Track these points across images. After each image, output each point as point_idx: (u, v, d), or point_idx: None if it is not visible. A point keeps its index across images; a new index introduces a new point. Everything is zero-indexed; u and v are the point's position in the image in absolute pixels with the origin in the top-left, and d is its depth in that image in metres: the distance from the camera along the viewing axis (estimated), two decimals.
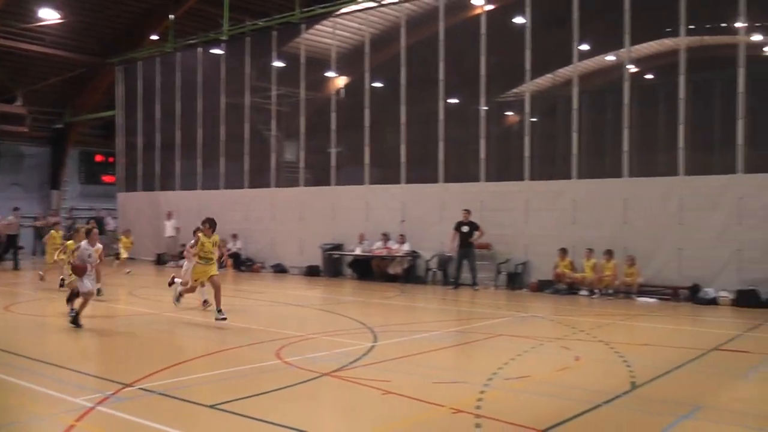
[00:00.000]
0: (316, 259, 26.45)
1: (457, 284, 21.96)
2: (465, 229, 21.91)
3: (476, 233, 21.86)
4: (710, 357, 11.27)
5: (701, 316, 17.06)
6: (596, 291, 20.14)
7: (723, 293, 18.63)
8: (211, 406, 7.83)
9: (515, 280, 22.08)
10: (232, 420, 7.43)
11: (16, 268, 27.16)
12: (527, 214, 22.32)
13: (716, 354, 11.61)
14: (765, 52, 21.22)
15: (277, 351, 11.16)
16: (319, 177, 28.54)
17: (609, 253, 19.99)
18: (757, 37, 20.52)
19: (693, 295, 19.04)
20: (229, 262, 28.29)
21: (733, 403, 8.51)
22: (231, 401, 8.04)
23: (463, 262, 21.98)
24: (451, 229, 22.16)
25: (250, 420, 7.43)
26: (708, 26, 21.49)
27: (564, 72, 23.79)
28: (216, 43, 31.44)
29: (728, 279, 18.85)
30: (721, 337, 13.29)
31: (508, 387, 9.15)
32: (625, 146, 20.77)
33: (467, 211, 22.06)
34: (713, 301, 18.57)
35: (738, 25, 19.56)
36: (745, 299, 18.15)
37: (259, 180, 29.66)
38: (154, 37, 34.91)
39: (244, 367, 10.23)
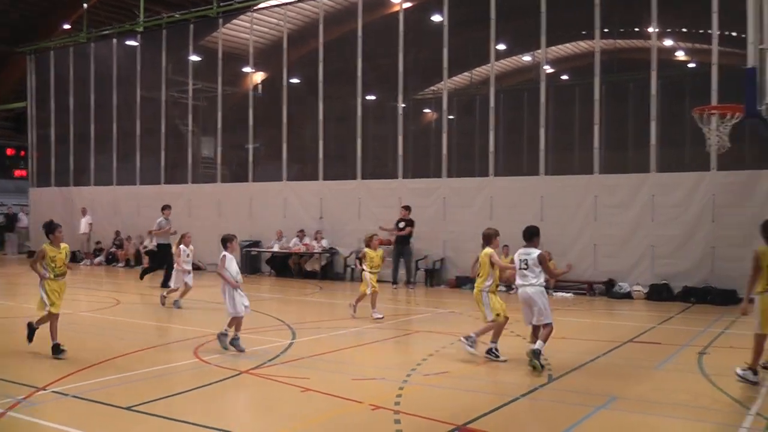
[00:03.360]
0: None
1: (395, 283, 21.47)
2: (402, 225, 21.60)
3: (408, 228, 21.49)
4: (625, 349, 11.54)
5: (616, 310, 17.51)
6: (513, 286, 20.38)
7: (637, 287, 19.18)
8: (128, 408, 7.64)
9: (433, 277, 22.22)
10: (150, 421, 7.28)
11: (164, 284, 19.55)
12: (445, 210, 22.49)
13: (631, 346, 11.91)
14: (676, 56, 21.86)
15: (194, 350, 11.01)
16: (236, 173, 28.31)
17: None
18: (668, 42, 21.14)
19: (608, 290, 19.53)
20: (146, 260, 27.77)
21: (647, 393, 8.73)
22: (148, 402, 7.87)
23: (399, 260, 21.63)
24: (368, 226, 22.02)
25: (168, 420, 7.30)
26: (622, 30, 22.04)
27: (481, 71, 24.10)
28: (131, 35, 30.77)
29: (641, 274, 19.46)
30: (635, 330, 13.67)
31: (427, 383, 9.19)
32: (542, 144, 21.12)
33: (406, 209, 21.74)
34: (627, 295, 19.10)
35: (650, 30, 20.10)
36: (658, 293, 18.73)
37: (175, 176, 29.18)
38: (67, 26, 33.95)
39: (161, 367, 10.04)
